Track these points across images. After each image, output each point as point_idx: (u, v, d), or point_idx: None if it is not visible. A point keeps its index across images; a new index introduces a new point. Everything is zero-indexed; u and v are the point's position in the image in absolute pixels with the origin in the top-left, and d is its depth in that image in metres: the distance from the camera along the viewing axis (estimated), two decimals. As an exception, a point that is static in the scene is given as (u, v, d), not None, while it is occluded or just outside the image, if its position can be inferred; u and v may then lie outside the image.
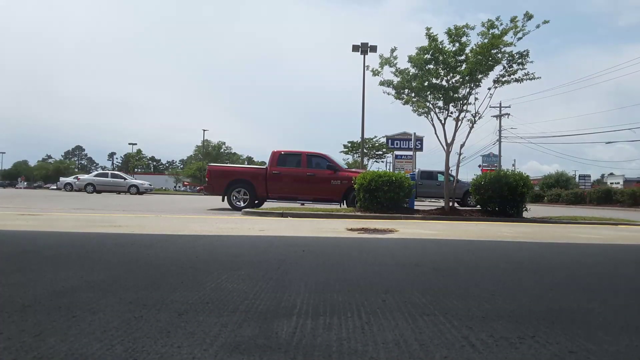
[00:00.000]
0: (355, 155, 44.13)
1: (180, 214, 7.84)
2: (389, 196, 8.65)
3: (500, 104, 39.14)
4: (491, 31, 8.44)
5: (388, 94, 9.39)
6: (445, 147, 9.21)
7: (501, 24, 8.42)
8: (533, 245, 4.42)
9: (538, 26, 8.31)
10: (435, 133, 9.30)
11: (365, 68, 9.44)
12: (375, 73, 9.25)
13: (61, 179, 39.78)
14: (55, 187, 45.23)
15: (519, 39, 8.39)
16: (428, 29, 8.77)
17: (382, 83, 9.28)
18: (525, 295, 2.03)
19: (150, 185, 28.97)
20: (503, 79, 8.84)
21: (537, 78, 8.63)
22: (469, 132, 9.51)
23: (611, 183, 61.27)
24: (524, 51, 8.56)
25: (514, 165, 54.22)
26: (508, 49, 8.52)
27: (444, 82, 8.94)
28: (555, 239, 4.99)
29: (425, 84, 8.79)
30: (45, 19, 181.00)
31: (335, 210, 9.05)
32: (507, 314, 1.66)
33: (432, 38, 8.71)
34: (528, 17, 8.23)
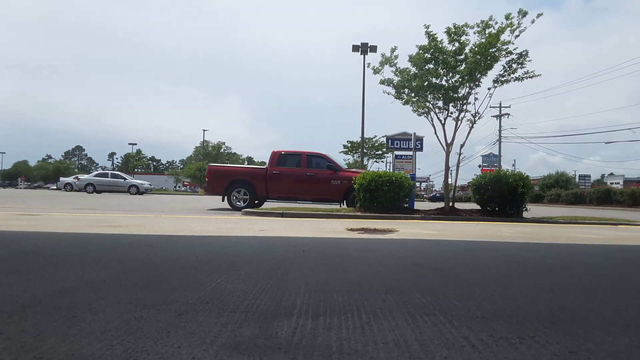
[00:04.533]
0: (355, 155, 44.14)
1: (180, 214, 7.84)
2: (389, 196, 8.64)
3: (500, 104, 39.17)
4: (487, 30, 8.43)
5: (388, 93, 9.39)
6: (445, 147, 9.21)
7: (496, 23, 8.42)
8: (533, 245, 4.42)
9: (533, 21, 8.30)
10: (435, 133, 9.30)
11: (366, 66, 9.45)
12: (377, 71, 9.24)
13: (61, 179, 39.78)
14: (55, 187, 45.11)
15: (517, 36, 8.39)
16: (427, 26, 8.75)
17: (382, 82, 9.27)
18: (525, 295, 2.03)
19: (150, 185, 28.98)
20: (503, 79, 8.83)
21: (538, 76, 8.61)
22: (469, 132, 9.51)
23: (611, 183, 61.27)
24: (523, 51, 8.56)
25: (514, 165, 54.29)
26: (507, 47, 8.52)
27: (443, 82, 8.94)
28: (555, 239, 4.99)
29: (425, 83, 8.79)
30: (44, 13, 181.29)
31: (335, 210, 9.05)
32: (507, 314, 1.66)
33: (431, 37, 8.70)
34: (522, 14, 8.23)
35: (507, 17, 8.33)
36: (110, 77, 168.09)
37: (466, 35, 8.66)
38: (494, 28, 8.38)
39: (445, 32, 8.67)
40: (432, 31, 8.72)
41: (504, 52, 8.54)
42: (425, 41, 8.81)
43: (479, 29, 8.50)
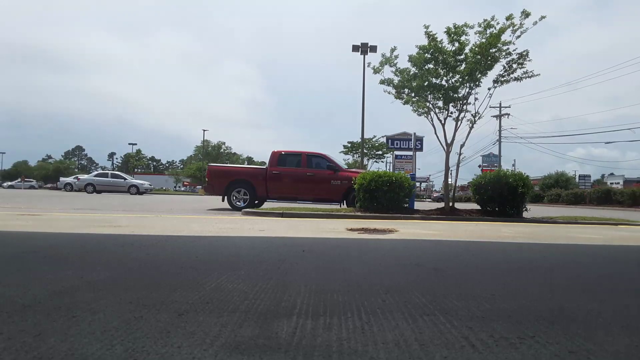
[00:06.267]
0: (355, 155, 44.14)
1: (180, 214, 7.84)
2: (389, 196, 8.64)
3: (500, 104, 39.15)
4: (488, 30, 8.42)
5: (388, 93, 9.40)
6: (445, 147, 9.20)
7: (497, 23, 8.41)
8: (533, 245, 4.42)
9: (535, 23, 8.29)
10: (435, 133, 9.29)
11: (367, 65, 9.46)
12: (377, 71, 9.24)
13: (61, 179, 39.78)
14: (49, 186, 44.82)
15: (518, 37, 8.38)
16: (426, 27, 8.75)
17: (382, 82, 9.28)
18: (525, 295, 2.03)
19: (150, 185, 29.00)
20: (502, 79, 8.83)
21: (537, 75, 8.61)
22: (469, 132, 9.50)
23: (611, 183, 61.25)
24: (524, 51, 8.55)
25: (514, 165, 54.25)
26: (508, 48, 8.51)
27: (443, 82, 8.94)
28: (555, 239, 4.99)
29: (425, 83, 8.79)
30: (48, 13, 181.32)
31: (335, 210, 9.05)
32: (507, 314, 1.66)
33: (431, 37, 8.70)
34: (525, 14, 8.21)
35: (509, 17, 8.32)
36: (110, 73, 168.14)
37: (466, 35, 8.65)
38: (495, 28, 8.37)
39: (445, 32, 8.67)
40: (431, 31, 8.72)
41: (504, 53, 8.53)
42: (425, 41, 8.81)
43: (480, 29, 8.49)
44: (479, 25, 8.50)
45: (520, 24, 8.24)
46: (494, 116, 39.60)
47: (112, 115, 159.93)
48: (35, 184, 55.66)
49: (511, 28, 8.29)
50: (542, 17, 8.27)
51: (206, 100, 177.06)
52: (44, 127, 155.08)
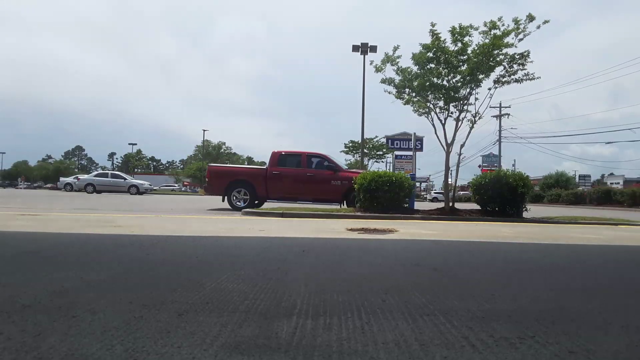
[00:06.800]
0: (355, 155, 44.18)
1: (180, 214, 7.84)
2: (389, 196, 8.64)
3: (501, 104, 39.16)
4: (493, 32, 8.42)
5: (389, 92, 9.40)
6: (445, 147, 9.20)
7: (503, 25, 8.40)
8: (533, 245, 4.42)
9: (539, 27, 8.30)
10: (436, 133, 9.29)
11: (369, 64, 9.45)
12: (379, 69, 9.24)
13: (61, 179, 39.79)
14: (49, 186, 44.51)
15: (520, 40, 8.39)
16: (433, 25, 8.74)
17: (383, 81, 9.28)
18: (525, 295, 2.03)
19: (150, 185, 29.01)
20: (503, 79, 8.84)
21: (537, 78, 8.63)
22: (469, 132, 9.50)
23: (611, 183, 61.18)
24: (525, 52, 8.55)
25: (514, 165, 54.22)
26: (509, 50, 8.52)
27: (444, 82, 8.93)
28: (555, 240, 4.99)
29: (427, 83, 8.79)
30: (42, 13, 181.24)
31: (335, 210, 9.05)
32: (507, 314, 1.66)
33: (435, 36, 8.69)
34: (530, 18, 8.21)
35: (515, 21, 8.32)
36: (110, 73, 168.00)
37: (470, 36, 8.65)
38: (499, 29, 8.37)
39: (449, 31, 8.66)
40: (436, 30, 8.71)
41: (508, 56, 8.53)
42: (428, 39, 8.80)
43: (485, 29, 8.48)
44: (485, 25, 8.49)
45: (524, 27, 8.25)
46: (494, 116, 39.63)
47: (91, 98, 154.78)
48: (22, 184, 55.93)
49: (514, 32, 8.29)
50: (546, 22, 8.30)
51: (207, 91, 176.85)
52: (41, 126, 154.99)
